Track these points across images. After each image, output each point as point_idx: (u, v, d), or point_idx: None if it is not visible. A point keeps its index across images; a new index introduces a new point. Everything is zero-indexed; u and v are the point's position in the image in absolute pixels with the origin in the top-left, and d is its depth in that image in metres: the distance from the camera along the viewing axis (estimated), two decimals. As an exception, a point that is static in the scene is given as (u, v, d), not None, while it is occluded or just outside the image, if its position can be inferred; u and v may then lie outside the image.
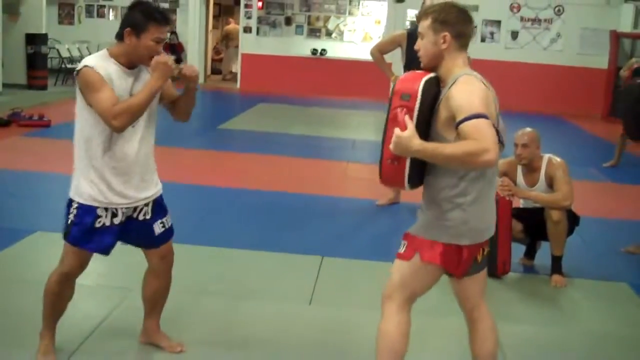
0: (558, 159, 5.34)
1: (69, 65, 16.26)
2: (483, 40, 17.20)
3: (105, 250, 3.54)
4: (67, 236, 3.49)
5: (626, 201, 8.42)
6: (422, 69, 3.03)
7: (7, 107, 11.49)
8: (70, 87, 15.09)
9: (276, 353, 3.99)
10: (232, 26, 20.42)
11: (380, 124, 3.02)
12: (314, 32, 18.19)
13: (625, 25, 16.09)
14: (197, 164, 9.25)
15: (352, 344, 4.11)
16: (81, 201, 3.43)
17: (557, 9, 16.95)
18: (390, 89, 3.04)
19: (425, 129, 2.88)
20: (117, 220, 3.49)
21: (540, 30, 17.11)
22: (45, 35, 15.53)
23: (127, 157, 3.42)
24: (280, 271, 5.32)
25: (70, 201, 3.48)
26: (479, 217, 3.03)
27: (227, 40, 20.42)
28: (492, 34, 17.27)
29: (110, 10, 18.82)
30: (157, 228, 3.63)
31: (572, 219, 5.37)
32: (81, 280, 3.69)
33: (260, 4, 18.00)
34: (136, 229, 3.59)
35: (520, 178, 5.42)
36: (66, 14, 19.06)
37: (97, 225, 3.44)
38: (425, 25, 3.02)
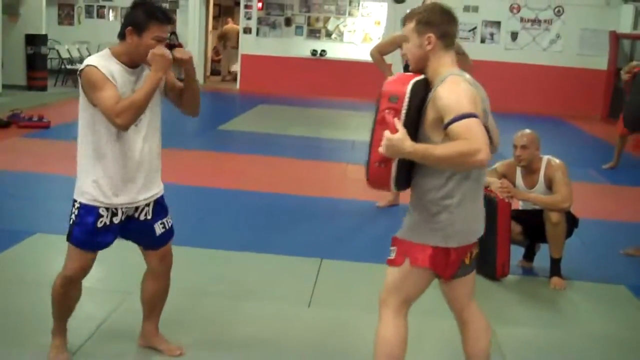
0: (557, 161, 5.34)
1: (68, 66, 16.27)
2: (483, 41, 17.21)
3: (105, 247, 3.55)
4: (69, 237, 3.49)
5: (625, 203, 8.41)
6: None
7: (6, 108, 11.48)
8: (70, 88, 15.15)
9: (275, 355, 3.99)
10: (229, 26, 20.44)
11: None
12: (313, 33, 18.19)
13: (625, 26, 16.10)
14: (197, 165, 9.25)
15: (351, 346, 4.11)
16: (83, 201, 3.44)
17: (556, 9, 16.96)
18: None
19: (413, 131, 2.86)
20: (116, 220, 3.50)
21: (540, 31, 17.12)
22: (45, 36, 15.53)
23: (131, 156, 3.43)
24: (279, 273, 5.32)
25: (74, 201, 3.49)
26: (467, 219, 3.03)
27: (225, 40, 20.45)
28: (491, 34, 17.28)
29: (110, 10, 18.81)
30: (158, 229, 3.64)
31: (571, 221, 5.37)
32: (80, 283, 3.69)
33: (260, 4, 18.00)
34: (137, 229, 3.60)
35: (519, 180, 5.42)
36: (66, 15, 19.06)
37: (99, 225, 3.44)
38: (409, 28, 3.03)
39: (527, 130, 5.38)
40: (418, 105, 2.91)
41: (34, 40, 15.11)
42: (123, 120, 3.25)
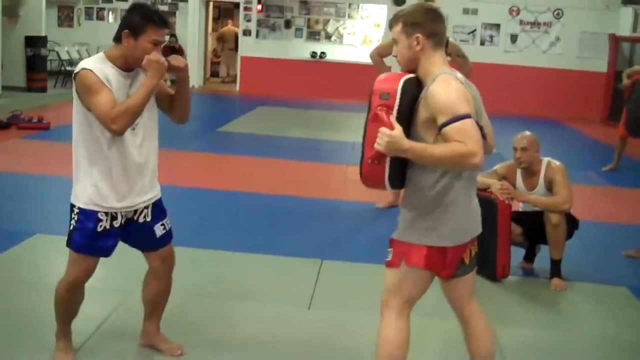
0: (557, 163, 5.34)
1: (68, 68, 16.27)
2: (482, 43, 17.23)
3: (108, 253, 3.54)
4: (69, 242, 3.49)
5: (625, 205, 8.42)
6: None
7: (6, 109, 11.49)
8: (70, 90, 15.06)
9: (275, 356, 3.99)
10: (226, 28, 20.51)
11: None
12: (313, 35, 18.20)
13: (625, 28, 16.12)
14: (197, 166, 9.25)
15: (351, 347, 4.11)
16: (82, 206, 3.42)
17: (556, 12, 16.97)
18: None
19: (405, 129, 2.85)
20: (116, 223, 3.49)
21: (540, 33, 17.14)
22: (45, 37, 15.53)
23: (128, 159, 3.41)
24: (279, 274, 5.32)
25: (72, 206, 3.47)
26: (460, 217, 3.02)
27: (223, 42, 20.49)
28: (491, 37, 17.29)
29: (110, 12, 18.82)
30: (158, 230, 3.63)
31: (572, 223, 5.37)
32: (81, 283, 3.69)
33: (259, 6, 18.02)
34: (136, 232, 3.59)
35: (519, 181, 5.42)
36: (66, 17, 19.08)
37: (99, 229, 3.43)
38: (397, 30, 3.03)
39: (527, 133, 5.38)
40: (409, 103, 2.91)
41: (34, 42, 15.11)
42: (118, 125, 3.22)
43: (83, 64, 3.32)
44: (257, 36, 18.13)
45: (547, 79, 16.85)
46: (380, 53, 7.12)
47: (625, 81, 9.88)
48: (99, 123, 3.27)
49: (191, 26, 18.22)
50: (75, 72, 3.32)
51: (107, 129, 3.25)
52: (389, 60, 7.21)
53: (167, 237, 3.70)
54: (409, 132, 2.87)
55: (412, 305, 3.14)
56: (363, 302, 4.68)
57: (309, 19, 18.18)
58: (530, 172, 5.37)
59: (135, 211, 3.55)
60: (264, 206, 7.23)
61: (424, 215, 2.99)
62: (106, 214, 3.44)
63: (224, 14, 21.47)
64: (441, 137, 2.81)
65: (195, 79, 17.99)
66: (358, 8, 18.07)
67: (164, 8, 18.01)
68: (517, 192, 5.32)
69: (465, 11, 17.01)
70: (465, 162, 2.75)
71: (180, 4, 18.42)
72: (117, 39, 3.36)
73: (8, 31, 14.66)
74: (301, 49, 18.08)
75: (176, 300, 4.09)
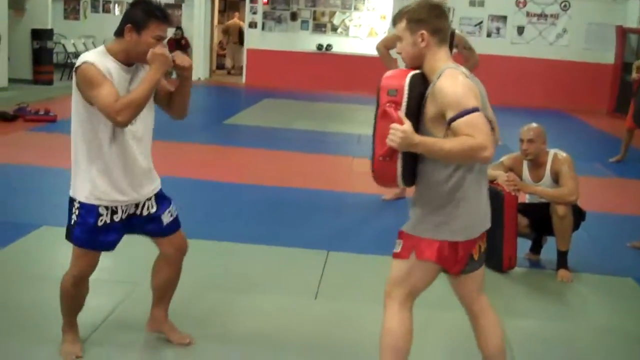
0: (564, 154, 5.33)
1: (74, 61, 16.17)
2: (489, 35, 17.19)
3: (110, 247, 3.55)
4: (70, 236, 3.49)
5: (632, 196, 8.41)
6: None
7: (13, 102, 11.52)
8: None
9: (282, 347, 4.00)
10: (231, 21, 20.57)
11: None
12: (319, 27, 18.18)
13: (632, 20, 16.07)
14: (203, 158, 9.26)
15: (357, 338, 4.11)
16: (83, 200, 3.42)
17: (563, 4, 16.92)
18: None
19: (413, 125, 2.85)
20: (117, 218, 3.48)
21: (547, 25, 17.08)
22: (51, 30, 15.56)
23: (127, 153, 3.41)
24: (286, 266, 5.32)
25: (72, 200, 3.47)
26: (472, 212, 3.02)
27: (228, 35, 20.51)
28: (497, 29, 17.25)
29: (116, 5, 18.84)
30: (166, 218, 3.63)
31: (578, 214, 5.37)
32: (87, 274, 3.70)
33: (265, -1, 18.02)
34: (141, 223, 3.59)
35: (525, 173, 5.42)
36: (72, 9, 19.10)
37: (100, 224, 3.43)
38: (401, 27, 3.02)
39: (534, 124, 5.37)
40: (417, 99, 2.91)
41: (40, 35, 15.14)
42: (123, 117, 3.20)
43: (84, 57, 3.30)
44: (263, 28, 18.12)
45: (554, 71, 16.80)
46: (387, 45, 7.09)
47: (635, 74, 9.87)
48: (100, 117, 3.26)
49: (197, 19, 18.21)
50: (76, 65, 3.30)
51: (112, 121, 3.24)
52: (395, 53, 7.21)
53: (175, 223, 3.69)
54: (417, 128, 2.87)
55: (415, 297, 3.14)
56: (369, 294, 4.68)
57: (315, 11, 18.16)
58: (536, 164, 5.36)
59: (137, 205, 3.55)
60: (270, 198, 7.24)
61: (436, 210, 2.99)
62: (106, 208, 3.43)
63: (230, 6, 21.48)
64: (451, 132, 2.82)
65: (202, 71, 18.01)
66: (364, 0, 18.04)
67: (169, 1, 18.02)
68: (523, 184, 5.31)
69: (472, 3, 16.98)
70: (476, 155, 2.76)
71: (187, -4, 18.42)
72: (119, 33, 3.34)
73: (14, 24, 14.69)
74: (307, 41, 18.07)
75: (183, 292, 4.09)
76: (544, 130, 5.36)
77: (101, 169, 3.38)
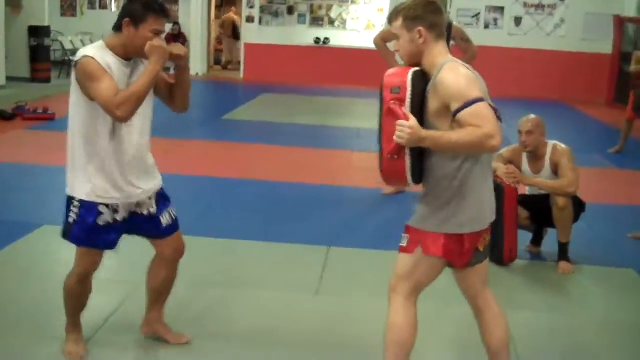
0: (563, 146, 5.33)
1: (72, 58, 16.25)
2: (487, 26, 17.15)
3: (111, 246, 3.54)
4: (67, 235, 3.47)
5: (632, 187, 8.41)
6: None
7: (11, 100, 11.51)
8: (74, 80, 15.14)
9: (283, 343, 4.00)
10: (226, 16, 20.54)
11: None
12: (316, 21, 18.15)
13: (630, 9, 16.04)
14: (202, 154, 9.25)
15: (359, 334, 4.12)
16: (83, 198, 3.40)
17: (560, -6, 16.89)
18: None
19: (418, 121, 2.86)
20: (119, 217, 3.47)
21: (544, 16, 17.05)
22: (48, 27, 15.53)
23: (126, 150, 3.39)
24: (286, 261, 5.33)
25: (71, 199, 3.44)
26: (479, 204, 3.04)
27: (224, 30, 20.52)
28: (495, 20, 17.21)
29: (113, 1, 18.83)
30: (164, 219, 3.62)
31: (578, 206, 5.37)
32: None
33: (262, -7, 17.98)
34: (142, 223, 3.58)
35: (525, 165, 5.42)
36: (68, 6, 19.07)
37: (100, 223, 3.41)
38: (397, 25, 3.03)
39: (532, 116, 5.37)
40: (420, 95, 2.92)
41: (37, 32, 15.11)
42: (123, 112, 3.19)
43: (83, 51, 3.29)
44: (260, 23, 18.09)
45: (552, 62, 16.77)
46: (384, 38, 7.09)
47: (634, 66, 9.86)
48: (99, 113, 3.25)
49: (194, 14, 18.16)
50: (75, 60, 3.29)
51: (112, 115, 3.22)
52: (392, 46, 7.20)
53: (174, 225, 3.68)
54: (421, 124, 2.88)
55: (420, 291, 3.15)
56: (371, 289, 4.69)
57: (312, 5, 18.12)
58: (535, 156, 5.36)
59: (138, 204, 3.53)
60: (269, 193, 7.24)
61: (444, 204, 3.00)
62: (107, 206, 3.41)
63: (227, 0, 21.43)
64: (457, 124, 2.82)
65: (199, 66, 17.97)
66: (361, -7, 18.02)
67: (166, -4, 18.00)
68: (523, 176, 5.31)
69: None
70: (484, 144, 2.78)
71: (183, -9, 18.39)
72: (117, 27, 3.33)
73: (11, 21, 14.66)
74: (304, 35, 18.04)
75: (181, 289, 4.09)
76: (543, 121, 5.35)
77: (100, 166, 3.36)
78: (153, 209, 3.58)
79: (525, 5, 17.08)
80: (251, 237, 5.76)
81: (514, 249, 5.24)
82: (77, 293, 3.61)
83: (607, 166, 9.46)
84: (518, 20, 17.12)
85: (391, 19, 3.08)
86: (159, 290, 3.80)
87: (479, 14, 17.14)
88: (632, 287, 5.17)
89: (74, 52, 16.20)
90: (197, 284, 4.66)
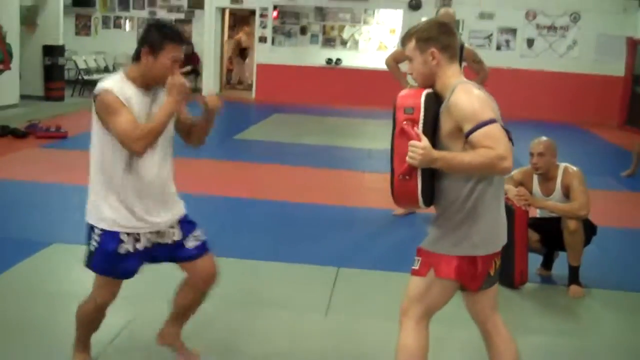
0: (574, 168, 5.32)
1: (85, 77, 16.38)
2: (499, 48, 17.17)
3: (130, 275, 3.53)
4: (89, 264, 3.47)
5: (644, 210, 8.37)
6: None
7: (24, 118, 11.59)
8: (87, 99, 15.20)
9: (292, 364, 3.99)
10: (237, 36, 20.68)
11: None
12: (329, 42, 18.21)
13: (642, 32, 16.03)
14: (213, 174, 9.26)
15: (368, 355, 4.10)
16: (105, 227, 3.39)
17: (573, 16, 16.89)
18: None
19: (431, 141, 2.87)
20: (140, 246, 3.46)
21: (556, 37, 17.06)
22: (63, 46, 15.64)
23: (146, 180, 3.40)
24: (296, 282, 5.32)
25: (92, 227, 3.44)
26: (492, 226, 3.04)
27: (232, 50, 20.68)
28: (507, 42, 17.22)
29: (127, 21, 18.93)
30: (190, 242, 3.59)
31: (590, 229, 5.34)
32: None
33: (275, 13, 18.05)
34: (165, 252, 3.56)
35: (536, 187, 5.40)
36: (83, 26, 19.19)
37: (121, 251, 3.40)
38: (410, 47, 3.05)
39: (544, 138, 5.36)
40: (433, 116, 2.94)
41: (52, 51, 15.23)
42: (139, 146, 3.23)
43: (103, 84, 3.31)
44: (272, 43, 18.17)
45: (564, 84, 16.76)
46: (396, 59, 7.11)
47: None
48: (119, 144, 3.27)
49: (207, 34, 18.27)
50: (94, 93, 3.32)
51: (128, 149, 3.25)
52: (404, 67, 7.22)
53: (201, 247, 3.63)
54: (433, 145, 2.89)
55: (431, 315, 3.14)
56: (380, 310, 4.67)
57: (324, 26, 18.19)
58: (546, 178, 5.34)
59: (160, 233, 3.51)
60: (280, 213, 7.24)
61: (456, 226, 3.00)
62: (128, 234, 3.41)
63: (240, 21, 21.54)
64: (469, 145, 2.82)
65: (212, 86, 18.05)
66: (373, 14, 18.07)
67: (180, 16, 18.10)
68: (534, 198, 5.29)
69: (482, 16, 16.98)
70: (496, 166, 2.79)
71: (197, 12, 18.49)
72: (137, 57, 3.36)
73: (26, 40, 14.78)
74: (317, 56, 18.09)
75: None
76: (555, 143, 5.34)
77: (121, 195, 3.37)
78: (177, 237, 3.56)
79: (537, 26, 17.09)
80: (261, 257, 5.76)
81: (524, 272, 5.21)
82: (92, 319, 3.62)
83: (620, 189, 9.41)
84: (530, 42, 17.13)
85: (404, 41, 3.10)
86: (184, 309, 3.78)
87: (491, 35, 17.16)
88: (643, 311, 5.13)
89: (87, 71, 16.37)
90: (206, 302, 4.63)
